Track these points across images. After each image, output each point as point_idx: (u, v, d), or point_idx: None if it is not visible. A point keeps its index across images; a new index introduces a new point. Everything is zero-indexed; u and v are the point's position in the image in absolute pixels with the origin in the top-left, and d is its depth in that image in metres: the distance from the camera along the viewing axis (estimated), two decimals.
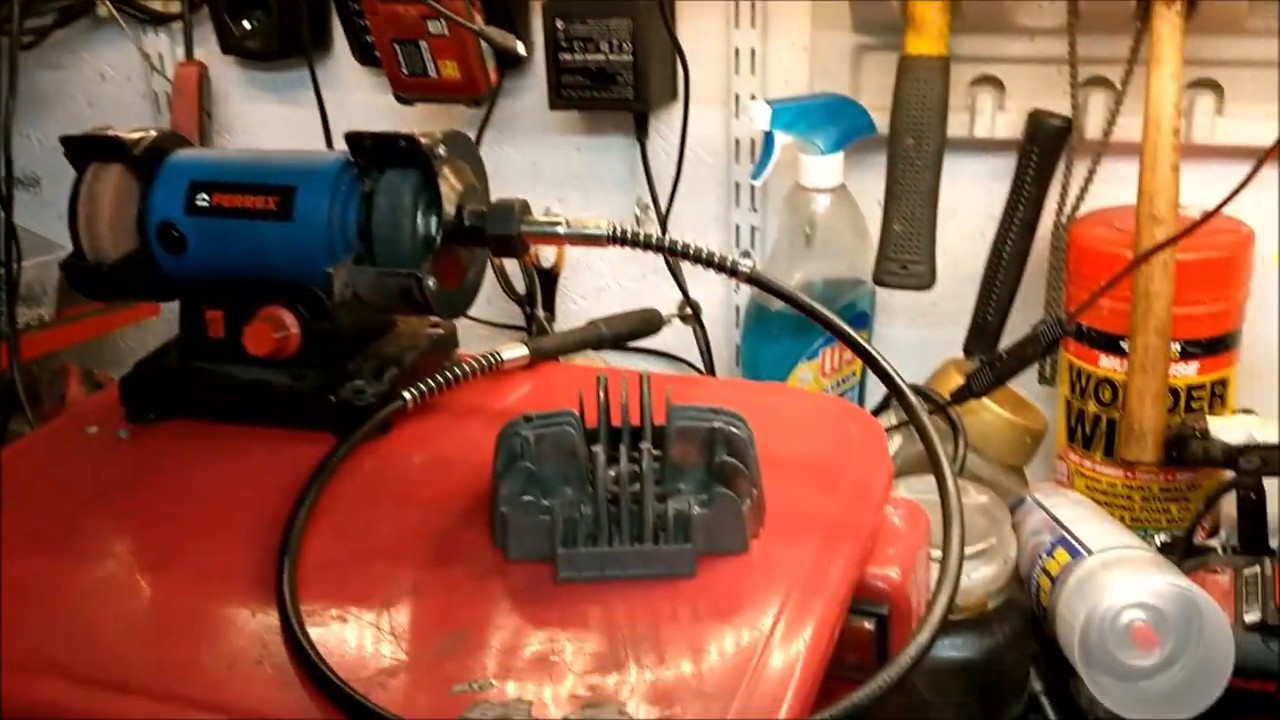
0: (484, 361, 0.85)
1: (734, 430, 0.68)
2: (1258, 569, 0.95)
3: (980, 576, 0.95)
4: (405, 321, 0.88)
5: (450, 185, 0.78)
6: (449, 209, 0.78)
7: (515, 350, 0.89)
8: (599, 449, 0.66)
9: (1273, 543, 1.06)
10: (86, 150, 0.84)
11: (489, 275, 1.37)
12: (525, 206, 0.79)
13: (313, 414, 0.80)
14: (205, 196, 0.81)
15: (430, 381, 0.81)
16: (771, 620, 0.61)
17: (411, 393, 0.80)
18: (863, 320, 1.32)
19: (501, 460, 0.68)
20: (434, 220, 0.78)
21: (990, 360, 1.17)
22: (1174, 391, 1.13)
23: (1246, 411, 1.14)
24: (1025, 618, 1.00)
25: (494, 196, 0.82)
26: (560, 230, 0.79)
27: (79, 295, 0.87)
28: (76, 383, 1.48)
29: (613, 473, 0.67)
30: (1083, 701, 0.96)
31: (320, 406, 0.80)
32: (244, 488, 0.75)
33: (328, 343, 0.81)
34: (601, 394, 0.70)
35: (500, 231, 0.78)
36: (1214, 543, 1.15)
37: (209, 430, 0.82)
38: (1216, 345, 1.13)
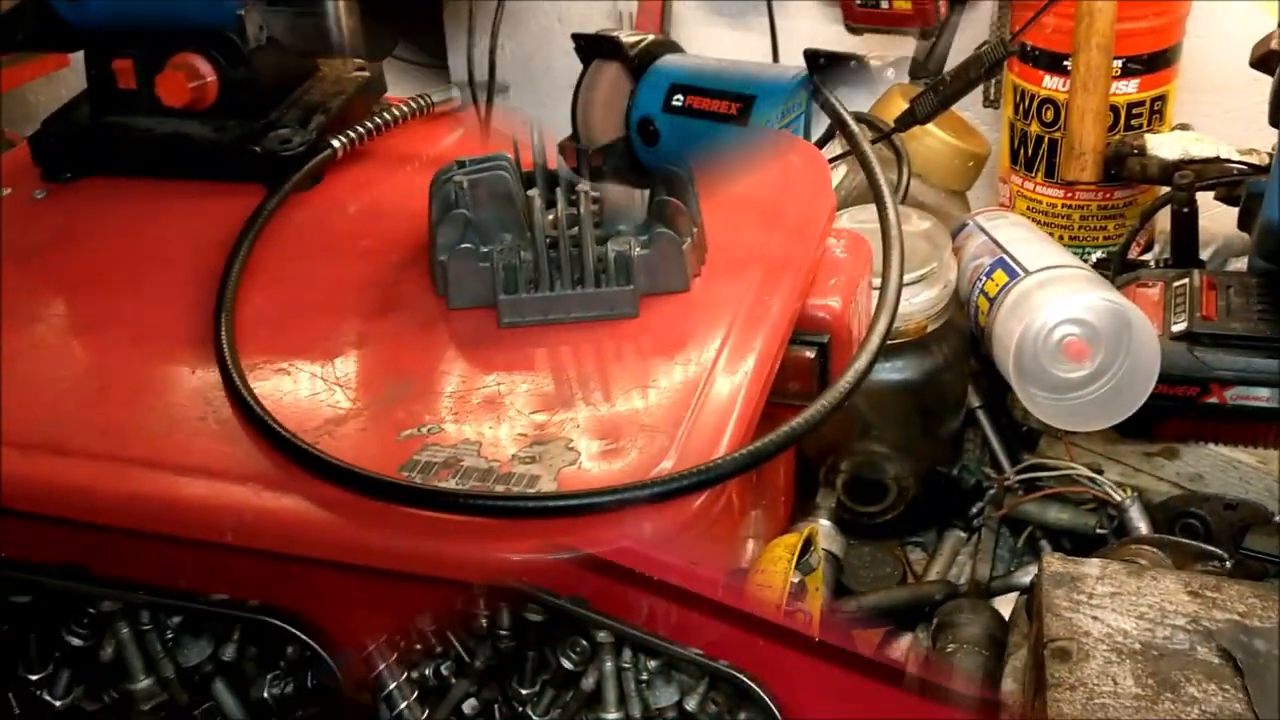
0: (415, 105, 0.82)
1: (673, 169, 0.67)
2: (1187, 281, 0.96)
3: (921, 301, 0.97)
4: (329, 65, 0.84)
5: None
6: None
7: (448, 92, 0.85)
8: (535, 193, 0.65)
9: (1204, 255, 1.08)
10: None
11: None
12: None
13: (237, 166, 0.77)
14: None
15: (360, 128, 0.78)
16: (714, 355, 0.62)
17: (341, 140, 0.78)
18: None
19: (436, 208, 0.67)
20: None
21: (935, 84, 1.14)
22: (1114, 110, 1.12)
23: (1183, 127, 1.13)
24: (964, 338, 1.02)
25: None
26: None
27: None
28: None
29: (551, 216, 0.66)
30: (1017, 414, 0.99)
31: (245, 158, 0.77)
32: (172, 244, 0.74)
33: (248, 91, 0.78)
34: (536, 136, 0.68)
35: None
36: (1148, 257, 1.17)
37: (129, 187, 0.79)
38: (1157, 61, 1.12)
